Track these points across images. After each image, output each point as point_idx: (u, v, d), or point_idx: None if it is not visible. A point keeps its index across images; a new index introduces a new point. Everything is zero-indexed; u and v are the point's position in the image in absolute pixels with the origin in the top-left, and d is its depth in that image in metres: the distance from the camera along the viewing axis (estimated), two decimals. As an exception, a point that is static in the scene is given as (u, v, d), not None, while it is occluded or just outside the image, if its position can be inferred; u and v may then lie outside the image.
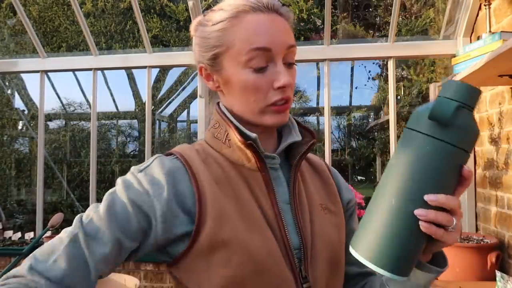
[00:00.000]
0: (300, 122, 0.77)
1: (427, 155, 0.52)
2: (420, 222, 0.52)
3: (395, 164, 0.55)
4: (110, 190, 0.66)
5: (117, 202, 0.63)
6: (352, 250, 0.57)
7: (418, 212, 0.52)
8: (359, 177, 5.20)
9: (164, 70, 4.55)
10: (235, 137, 0.67)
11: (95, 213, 0.63)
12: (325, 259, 0.71)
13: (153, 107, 4.50)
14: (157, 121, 4.64)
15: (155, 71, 4.43)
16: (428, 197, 0.52)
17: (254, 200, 0.67)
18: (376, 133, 4.93)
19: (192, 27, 0.75)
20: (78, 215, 0.64)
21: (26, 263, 0.60)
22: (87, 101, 4.54)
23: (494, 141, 1.98)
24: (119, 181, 0.66)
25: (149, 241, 0.64)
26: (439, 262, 0.66)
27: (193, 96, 4.61)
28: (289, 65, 0.69)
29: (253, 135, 0.67)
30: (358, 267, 0.80)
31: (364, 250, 0.55)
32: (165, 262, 0.68)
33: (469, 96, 0.53)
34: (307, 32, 4.88)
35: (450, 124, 0.51)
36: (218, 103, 0.74)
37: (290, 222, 0.69)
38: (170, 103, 4.75)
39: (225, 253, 0.62)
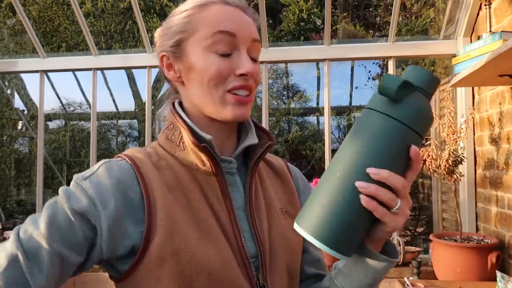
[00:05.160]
0: (258, 124, 0.74)
1: (376, 130, 0.52)
2: (360, 195, 0.50)
3: (346, 140, 0.55)
4: (51, 200, 0.59)
5: (59, 213, 0.57)
6: (296, 226, 0.55)
7: (359, 184, 0.50)
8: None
9: (164, 70, 4.53)
10: (189, 139, 0.64)
11: (35, 228, 0.57)
12: (284, 265, 0.68)
13: (153, 107, 4.49)
14: (157, 121, 4.63)
15: (155, 71, 4.40)
16: (370, 170, 0.51)
17: (208, 207, 0.64)
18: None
19: (156, 31, 0.74)
20: (15, 229, 0.58)
21: None
22: (87, 101, 4.54)
23: (495, 141, 1.98)
24: (61, 190, 0.60)
25: (95, 253, 0.59)
26: (389, 252, 0.63)
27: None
28: (254, 60, 0.68)
29: (208, 136, 0.64)
30: (314, 268, 0.78)
31: (307, 225, 0.53)
32: (112, 277, 0.63)
33: (424, 80, 0.54)
34: (307, 32, 4.87)
35: (398, 100, 0.51)
36: (173, 103, 0.71)
37: (246, 229, 0.66)
38: (170, 103, 4.74)
39: (177, 265, 0.58)
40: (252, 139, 0.71)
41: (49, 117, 4.66)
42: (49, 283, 0.56)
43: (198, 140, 0.64)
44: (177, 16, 0.69)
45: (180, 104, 0.72)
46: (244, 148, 0.71)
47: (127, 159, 0.64)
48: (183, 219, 0.61)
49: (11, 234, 0.58)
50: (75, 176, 0.62)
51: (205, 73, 0.64)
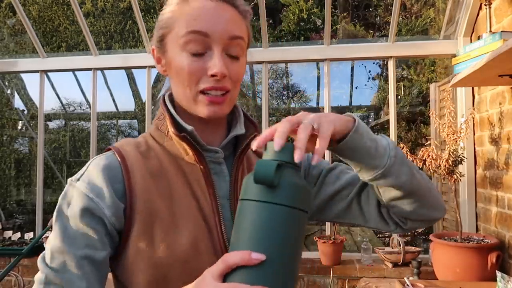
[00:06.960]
0: (247, 114, 0.75)
1: (265, 221, 0.48)
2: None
3: (247, 241, 0.48)
4: (54, 214, 0.63)
5: (67, 223, 0.61)
6: None
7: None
8: (359, 177, 5.19)
9: (164, 70, 4.54)
10: (171, 129, 0.66)
11: (53, 247, 0.61)
12: None
13: (153, 107, 4.49)
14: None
15: (155, 71, 4.41)
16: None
17: (191, 195, 0.66)
18: (376, 133, 4.92)
19: None
20: (40, 257, 0.62)
21: None
22: (87, 101, 4.54)
23: (495, 141, 1.98)
24: (59, 200, 0.64)
25: (116, 240, 0.64)
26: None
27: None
28: (233, 57, 0.66)
29: (189, 127, 0.65)
30: (350, 192, 0.78)
31: None
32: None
33: (287, 153, 0.51)
34: (307, 32, 4.87)
35: (276, 184, 0.48)
36: (164, 95, 0.73)
37: (228, 218, 0.67)
38: (170, 103, 4.74)
39: (153, 254, 0.61)
40: (239, 129, 0.72)
41: (49, 117, 4.66)
42: (92, 285, 0.60)
43: (178, 130, 0.66)
44: (165, 10, 0.69)
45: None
46: (233, 137, 0.72)
47: (114, 151, 0.67)
48: (163, 210, 0.63)
49: (38, 263, 0.62)
50: (69, 179, 0.65)
51: (179, 71, 0.66)
